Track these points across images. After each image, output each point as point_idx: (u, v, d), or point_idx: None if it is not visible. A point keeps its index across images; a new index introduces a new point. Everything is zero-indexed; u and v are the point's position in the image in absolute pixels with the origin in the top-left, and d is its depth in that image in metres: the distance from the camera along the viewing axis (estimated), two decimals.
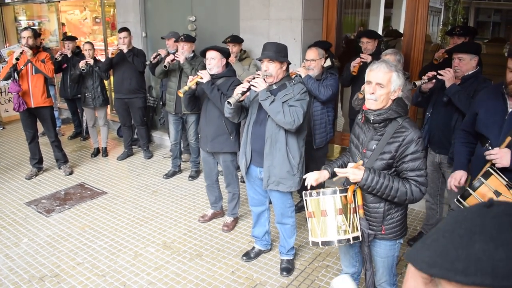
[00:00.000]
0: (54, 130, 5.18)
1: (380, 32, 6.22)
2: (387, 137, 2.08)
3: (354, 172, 2.04)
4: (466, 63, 2.98)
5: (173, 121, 4.99)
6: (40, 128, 5.27)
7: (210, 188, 3.97)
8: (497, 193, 2.20)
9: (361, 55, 4.00)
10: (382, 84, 2.03)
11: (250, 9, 4.87)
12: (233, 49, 4.57)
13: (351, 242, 2.12)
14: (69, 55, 6.04)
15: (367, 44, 4.07)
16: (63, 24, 8.54)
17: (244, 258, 3.39)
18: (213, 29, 5.41)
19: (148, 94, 6.03)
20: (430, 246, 0.56)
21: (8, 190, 4.83)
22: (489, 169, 2.28)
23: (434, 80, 3.12)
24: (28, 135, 5.08)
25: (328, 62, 3.88)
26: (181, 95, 3.50)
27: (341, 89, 5.15)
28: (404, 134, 2.04)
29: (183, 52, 4.48)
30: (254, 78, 2.85)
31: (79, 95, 6.03)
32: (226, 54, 3.59)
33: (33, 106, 4.87)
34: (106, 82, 6.14)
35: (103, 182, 5.05)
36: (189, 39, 4.57)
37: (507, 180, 2.22)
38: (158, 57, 5.04)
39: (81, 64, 5.38)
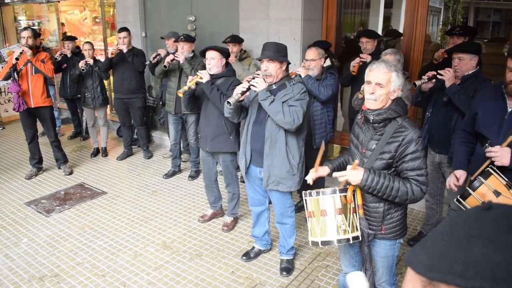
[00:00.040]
0: (54, 130, 5.18)
1: (379, 32, 6.22)
2: (386, 136, 2.08)
3: (353, 174, 2.04)
4: (466, 63, 2.98)
5: (173, 121, 4.99)
6: (40, 128, 5.27)
7: (209, 188, 3.97)
8: (497, 193, 2.20)
9: (361, 55, 4.00)
10: (381, 84, 2.03)
11: (249, 9, 4.87)
12: (233, 49, 4.57)
13: (351, 242, 2.12)
14: (68, 55, 6.04)
15: (367, 44, 4.07)
16: (62, 24, 8.53)
17: (244, 258, 3.39)
18: (213, 29, 5.41)
19: (147, 94, 6.03)
20: (429, 249, 0.56)
21: (7, 190, 4.83)
22: (489, 169, 2.28)
23: (434, 80, 3.12)
24: (27, 135, 5.08)
25: (327, 62, 3.88)
26: (180, 95, 3.50)
27: (341, 89, 5.15)
28: (404, 133, 2.04)
29: (183, 52, 4.48)
30: (253, 78, 2.85)
31: (78, 95, 6.03)
32: (225, 54, 3.59)
33: (32, 106, 4.87)
34: (105, 82, 6.14)
35: (103, 182, 5.05)
36: (188, 39, 4.57)
37: (506, 180, 2.22)
38: (157, 57, 5.03)
39: (81, 64, 5.38)
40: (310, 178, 2.31)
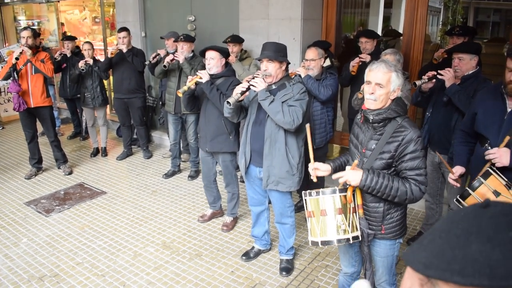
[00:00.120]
0: (54, 130, 5.18)
1: (379, 31, 6.22)
2: (386, 136, 2.08)
3: (352, 174, 2.03)
4: (466, 63, 2.98)
5: (173, 121, 4.99)
6: (40, 128, 5.27)
7: (208, 188, 3.97)
8: (497, 193, 2.20)
9: (360, 55, 4.00)
10: (381, 84, 2.03)
11: (249, 9, 4.87)
12: (233, 49, 4.57)
13: (351, 241, 2.12)
14: (68, 55, 6.03)
15: (366, 44, 4.07)
16: (62, 24, 8.53)
17: (244, 258, 3.39)
18: (213, 29, 5.41)
19: (147, 94, 6.03)
20: (427, 246, 0.56)
21: (7, 190, 4.83)
22: (489, 169, 2.28)
23: (434, 80, 3.12)
24: (27, 135, 5.08)
25: (327, 62, 3.88)
26: (180, 95, 3.49)
27: (340, 89, 5.15)
28: (404, 133, 2.04)
29: (183, 52, 4.48)
30: (253, 78, 2.85)
31: (78, 95, 6.03)
32: (225, 54, 3.59)
33: (32, 106, 4.86)
34: (105, 82, 6.14)
35: (103, 182, 5.05)
36: (188, 39, 4.57)
37: (506, 180, 2.22)
38: (157, 57, 5.03)
39: (81, 64, 5.38)
40: (312, 172, 2.29)
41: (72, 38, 6.27)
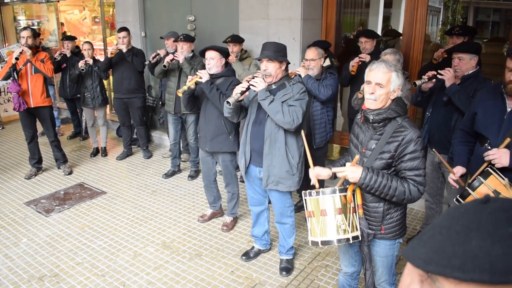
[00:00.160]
0: (54, 130, 5.18)
1: (379, 31, 6.22)
2: (386, 136, 2.08)
3: (352, 170, 2.04)
4: (466, 63, 2.98)
5: (173, 121, 4.99)
6: (40, 128, 5.27)
7: (208, 188, 3.97)
8: (496, 193, 2.20)
9: (360, 54, 4.00)
10: (381, 84, 2.04)
11: (249, 9, 4.87)
12: (233, 49, 4.57)
13: (351, 241, 2.12)
14: (68, 55, 6.03)
15: (366, 44, 4.07)
16: (62, 24, 8.53)
17: (244, 257, 3.39)
18: (212, 28, 5.41)
19: (147, 94, 6.03)
20: (427, 242, 0.56)
21: (7, 190, 4.83)
22: (488, 168, 2.28)
23: (434, 80, 3.12)
24: (27, 135, 5.07)
25: (327, 62, 3.88)
26: (180, 94, 3.49)
27: (340, 88, 5.15)
28: (404, 133, 2.04)
29: (182, 51, 4.48)
30: (253, 78, 2.85)
31: (78, 95, 6.03)
32: (225, 53, 3.59)
33: (32, 106, 4.86)
34: (105, 82, 6.14)
35: (103, 182, 5.05)
36: (188, 38, 4.57)
37: (506, 179, 2.22)
38: (157, 57, 5.03)
39: (81, 64, 5.38)
40: (313, 178, 2.30)
41: (72, 38, 6.27)
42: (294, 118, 2.72)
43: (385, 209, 2.15)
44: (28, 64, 4.79)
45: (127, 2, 6.24)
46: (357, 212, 2.15)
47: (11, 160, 5.85)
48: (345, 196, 2.11)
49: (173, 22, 5.79)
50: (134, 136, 6.03)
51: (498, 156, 2.25)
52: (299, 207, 3.96)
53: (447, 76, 2.98)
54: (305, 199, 2.18)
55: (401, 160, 2.05)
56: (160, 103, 5.65)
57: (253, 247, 3.47)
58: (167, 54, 4.88)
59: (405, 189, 2.03)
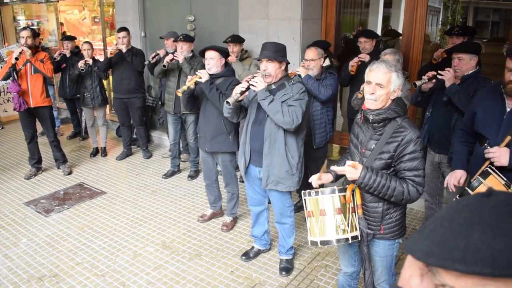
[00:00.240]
0: (53, 130, 5.18)
1: (379, 31, 6.22)
2: (386, 136, 2.08)
3: (351, 170, 2.04)
4: (466, 63, 2.98)
5: (172, 121, 4.99)
6: (39, 128, 5.26)
7: (209, 188, 3.97)
8: None
9: (359, 54, 4.00)
10: (382, 84, 2.04)
11: (249, 9, 4.87)
12: (233, 49, 4.56)
13: (350, 241, 2.12)
14: (68, 55, 6.03)
15: (365, 44, 4.07)
16: (62, 24, 8.52)
17: (243, 257, 3.39)
18: (212, 28, 5.41)
19: (147, 94, 6.02)
20: (428, 235, 0.56)
21: (7, 190, 4.83)
22: (488, 168, 2.28)
23: (434, 80, 3.12)
24: (27, 135, 5.07)
25: (327, 62, 3.88)
26: (180, 94, 3.49)
27: (340, 88, 5.15)
28: (403, 134, 2.04)
29: (182, 51, 4.48)
30: (253, 78, 2.85)
31: (78, 95, 6.02)
32: (225, 53, 3.59)
33: (32, 106, 4.86)
34: (105, 82, 6.13)
35: (102, 182, 5.05)
36: (188, 38, 4.57)
37: (505, 179, 2.22)
38: (157, 57, 5.03)
39: (80, 64, 5.38)
40: (314, 182, 2.30)
41: (72, 38, 6.27)
42: (293, 118, 2.72)
43: (385, 209, 2.15)
44: (28, 64, 4.78)
45: (126, 2, 6.24)
46: (356, 212, 2.15)
47: (11, 160, 5.85)
48: (344, 196, 2.11)
49: (173, 22, 5.79)
50: (134, 136, 6.03)
51: (498, 154, 2.25)
52: (299, 207, 3.96)
53: (447, 76, 2.98)
54: (305, 199, 2.18)
55: (400, 161, 2.05)
56: (160, 103, 5.65)
57: (253, 247, 3.47)
58: (167, 54, 4.88)
59: (404, 190, 2.03)
